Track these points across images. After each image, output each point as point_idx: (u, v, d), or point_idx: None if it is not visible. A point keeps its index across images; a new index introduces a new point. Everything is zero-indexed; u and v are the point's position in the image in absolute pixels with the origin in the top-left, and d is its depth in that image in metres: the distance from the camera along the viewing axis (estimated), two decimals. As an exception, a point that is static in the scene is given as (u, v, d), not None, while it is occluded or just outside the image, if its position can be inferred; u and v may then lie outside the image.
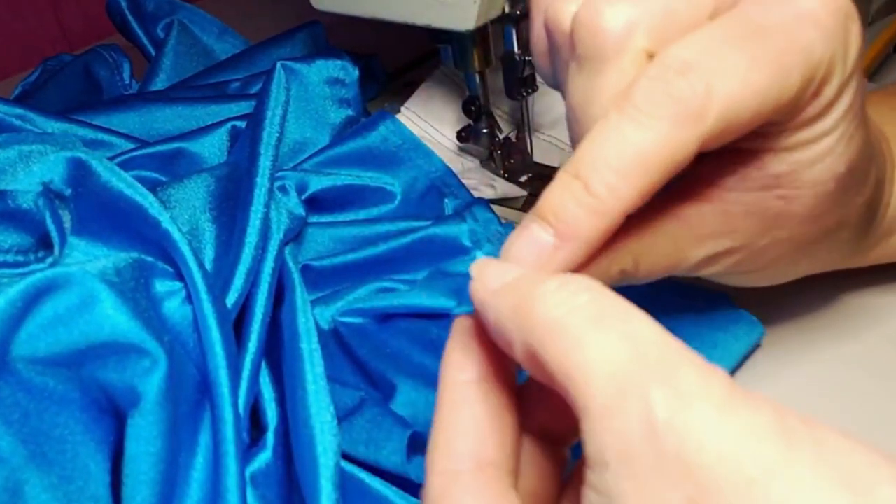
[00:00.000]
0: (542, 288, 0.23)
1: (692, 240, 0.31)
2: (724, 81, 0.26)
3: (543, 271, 0.26)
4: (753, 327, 0.38)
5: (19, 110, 0.50)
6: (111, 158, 0.47)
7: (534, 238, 0.26)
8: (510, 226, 0.44)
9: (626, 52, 0.28)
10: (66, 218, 0.35)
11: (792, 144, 0.29)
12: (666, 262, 0.31)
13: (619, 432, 0.21)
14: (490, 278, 0.25)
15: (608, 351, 0.21)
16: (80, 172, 0.35)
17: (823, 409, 0.36)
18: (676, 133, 0.26)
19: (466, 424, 0.25)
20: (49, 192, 0.35)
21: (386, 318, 0.41)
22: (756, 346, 0.39)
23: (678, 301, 0.39)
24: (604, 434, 0.21)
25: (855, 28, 0.28)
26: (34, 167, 0.35)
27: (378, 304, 0.40)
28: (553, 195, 0.26)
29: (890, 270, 0.39)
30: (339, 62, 0.51)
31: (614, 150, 0.26)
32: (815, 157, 0.29)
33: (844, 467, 0.19)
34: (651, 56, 0.28)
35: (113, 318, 0.31)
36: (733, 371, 0.38)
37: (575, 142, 0.30)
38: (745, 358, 0.38)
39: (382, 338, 0.40)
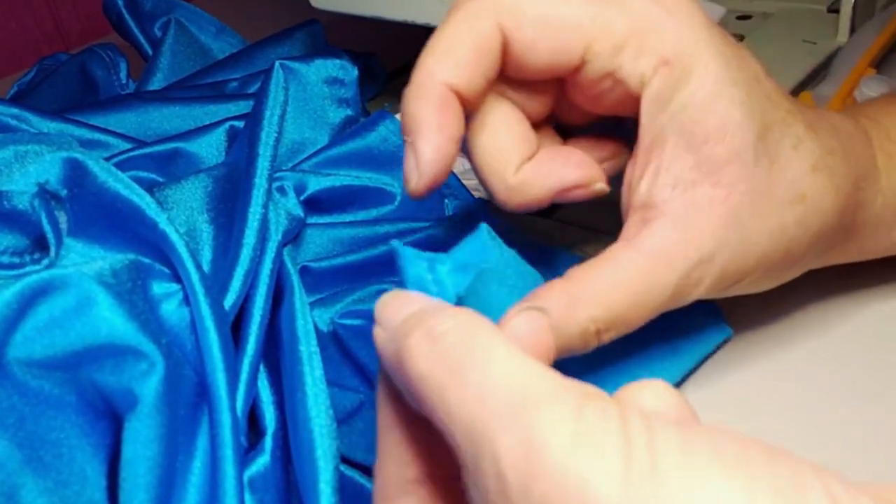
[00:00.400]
0: (411, 339, 0.23)
1: (658, 264, 0.32)
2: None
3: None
4: (721, 330, 0.38)
5: (15, 110, 0.50)
6: (108, 159, 0.47)
7: (406, 151, 0.32)
8: (511, 227, 0.44)
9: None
10: (62, 219, 0.35)
11: (652, 108, 0.32)
12: (642, 298, 0.32)
13: (481, 488, 0.20)
14: (386, 320, 0.26)
15: (464, 406, 0.21)
16: (76, 173, 0.35)
17: (788, 404, 0.36)
18: (471, 17, 0.31)
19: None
20: (45, 193, 0.35)
21: None
22: (721, 346, 0.39)
23: None
24: (470, 490, 0.21)
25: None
26: (30, 167, 0.35)
27: (372, 307, 0.40)
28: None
29: (857, 268, 0.40)
30: (338, 61, 0.51)
31: (428, 43, 0.32)
32: (692, 119, 0.32)
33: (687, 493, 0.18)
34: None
35: (109, 321, 0.31)
36: (697, 367, 0.38)
37: None
38: (708, 356, 0.38)
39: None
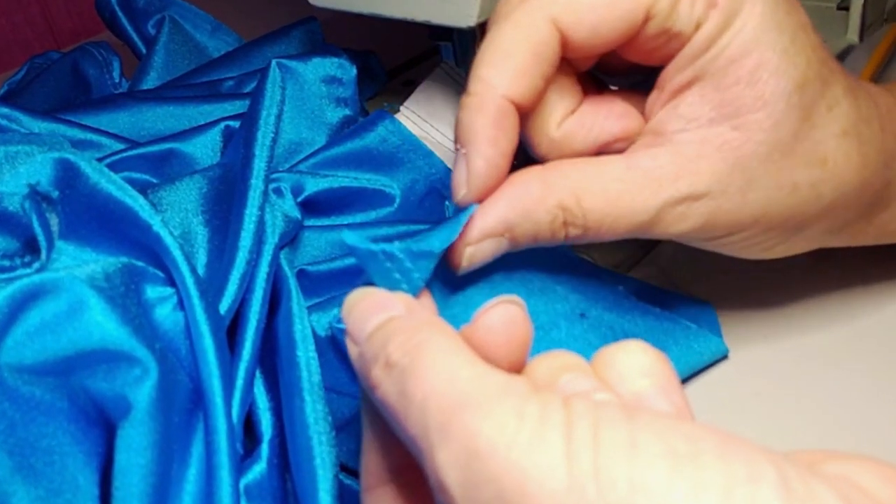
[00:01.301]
0: (374, 371, 0.25)
1: (646, 183, 0.32)
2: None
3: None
4: (717, 347, 0.38)
5: (5, 109, 0.50)
6: (100, 159, 0.47)
7: (457, 160, 0.31)
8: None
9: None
10: (54, 221, 0.35)
11: (696, 51, 0.32)
12: (619, 210, 0.32)
13: (446, 462, 0.21)
14: (354, 331, 0.27)
15: (412, 424, 0.22)
16: (68, 174, 0.35)
17: (786, 399, 0.36)
18: (525, 20, 0.31)
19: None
20: (36, 195, 0.35)
21: None
22: (715, 362, 0.38)
23: (647, 310, 0.39)
24: (435, 464, 0.21)
25: None
26: (20, 168, 0.35)
27: None
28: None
29: (859, 265, 0.40)
30: (336, 60, 0.51)
31: (482, 51, 0.31)
32: (729, 59, 0.31)
33: (631, 467, 0.18)
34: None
35: (102, 325, 0.31)
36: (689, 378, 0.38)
37: None
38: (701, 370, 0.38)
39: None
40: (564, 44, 0.32)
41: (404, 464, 0.27)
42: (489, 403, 0.21)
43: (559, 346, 0.35)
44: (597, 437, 0.19)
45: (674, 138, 0.32)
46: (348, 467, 0.35)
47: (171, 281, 0.35)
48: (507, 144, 0.31)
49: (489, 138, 0.31)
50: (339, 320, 0.40)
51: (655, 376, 0.24)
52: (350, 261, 0.43)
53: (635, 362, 0.24)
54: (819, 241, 0.36)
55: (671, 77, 0.33)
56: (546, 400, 0.21)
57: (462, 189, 0.31)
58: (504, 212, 0.31)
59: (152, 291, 0.35)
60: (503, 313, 0.25)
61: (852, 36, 0.60)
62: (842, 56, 0.58)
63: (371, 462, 0.27)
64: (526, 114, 0.32)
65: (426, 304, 0.29)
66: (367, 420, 0.28)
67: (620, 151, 0.34)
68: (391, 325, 0.25)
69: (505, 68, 0.31)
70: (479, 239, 0.31)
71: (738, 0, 0.31)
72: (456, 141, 0.31)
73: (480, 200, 0.32)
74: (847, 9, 0.60)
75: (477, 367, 0.22)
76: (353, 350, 0.27)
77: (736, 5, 0.31)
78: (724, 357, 0.38)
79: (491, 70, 0.31)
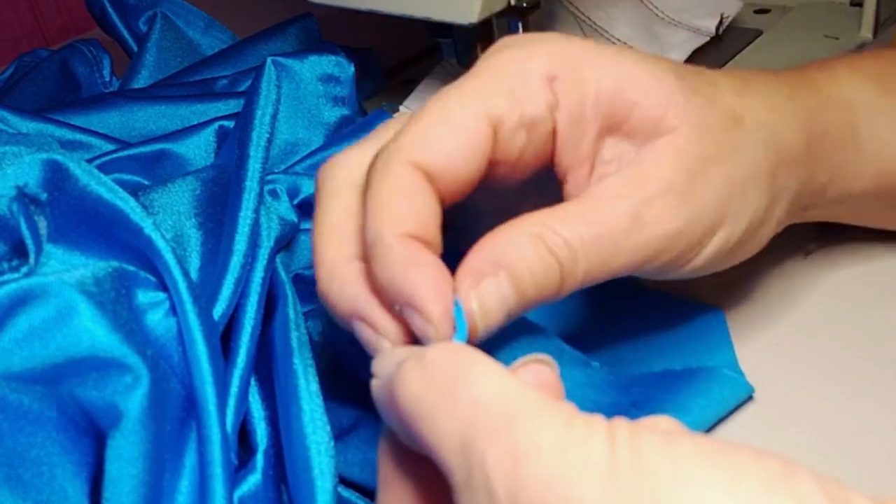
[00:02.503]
0: (403, 368, 0.25)
1: (609, 200, 0.33)
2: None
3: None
4: (741, 388, 0.37)
5: (-8, 109, 0.50)
6: (90, 160, 0.47)
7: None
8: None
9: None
10: (42, 224, 0.35)
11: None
12: (600, 230, 0.32)
13: (495, 464, 0.22)
14: (381, 370, 0.28)
15: (454, 424, 0.23)
16: (56, 176, 0.35)
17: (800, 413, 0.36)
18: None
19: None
20: (24, 197, 0.35)
21: None
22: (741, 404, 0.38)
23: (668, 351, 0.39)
24: None
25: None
26: (8, 170, 0.35)
27: None
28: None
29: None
30: (333, 58, 0.51)
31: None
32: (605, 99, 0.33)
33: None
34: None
35: (92, 332, 0.31)
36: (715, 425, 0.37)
37: None
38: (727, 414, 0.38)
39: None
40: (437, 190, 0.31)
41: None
42: (540, 413, 0.22)
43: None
44: (635, 438, 0.21)
45: (607, 169, 0.34)
46: (344, 478, 0.35)
47: (163, 285, 0.35)
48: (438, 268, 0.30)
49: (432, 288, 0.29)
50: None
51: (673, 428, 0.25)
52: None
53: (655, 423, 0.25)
54: (785, 217, 0.37)
55: (571, 157, 0.34)
56: (590, 417, 0.22)
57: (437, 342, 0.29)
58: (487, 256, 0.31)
59: (144, 296, 0.35)
60: (537, 374, 0.26)
61: (866, 33, 0.60)
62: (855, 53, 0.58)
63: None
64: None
65: None
66: (385, 480, 0.28)
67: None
68: (424, 348, 0.26)
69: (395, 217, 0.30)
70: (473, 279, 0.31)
71: (572, 61, 0.33)
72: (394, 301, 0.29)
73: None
74: (861, 5, 0.61)
75: (524, 384, 0.24)
76: (376, 384, 0.28)
77: (575, 66, 0.33)
78: (750, 398, 0.38)
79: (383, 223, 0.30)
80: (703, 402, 0.35)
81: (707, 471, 0.19)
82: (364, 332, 0.30)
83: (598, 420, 0.22)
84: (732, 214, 0.34)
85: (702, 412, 0.35)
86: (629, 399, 0.36)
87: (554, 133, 0.33)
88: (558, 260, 0.31)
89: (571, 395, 0.35)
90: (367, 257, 0.30)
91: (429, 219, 0.30)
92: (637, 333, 0.40)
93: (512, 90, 0.32)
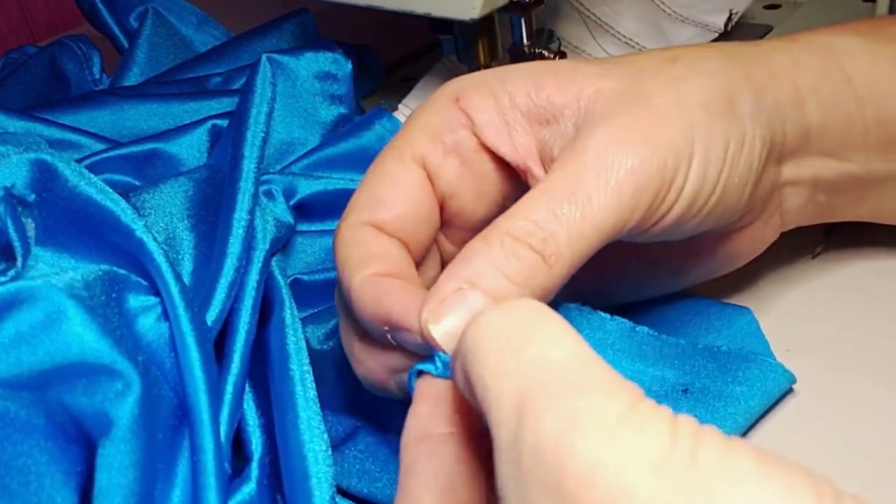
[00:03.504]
0: (485, 314, 0.26)
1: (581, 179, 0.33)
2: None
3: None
4: (783, 377, 0.37)
5: (-22, 108, 0.50)
6: (79, 160, 0.47)
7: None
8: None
9: None
10: (30, 226, 0.35)
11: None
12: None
13: (513, 463, 0.22)
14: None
15: (517, 378, 0.23)
16: (45, 176, 0.35)
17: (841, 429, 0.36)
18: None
19: (434, 482, 0.27)
20: (11, 198, 0.35)
21: None
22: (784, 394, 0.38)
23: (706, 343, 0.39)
24: (502, 466, 0.23)
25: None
26: (-5, 170, 0.35)
27: None
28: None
29: None
30: (330, 55, 0.51)
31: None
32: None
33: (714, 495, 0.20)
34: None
35: (81, 337, 0.31)
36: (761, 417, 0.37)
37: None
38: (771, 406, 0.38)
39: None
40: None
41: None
42: (607, 389, 0.22)
43: None
44: (698, 437, 0.21)
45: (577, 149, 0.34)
46: (344, 489, 0.35)
47: (154, 289, 0.35)
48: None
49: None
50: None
51: None
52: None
53: None
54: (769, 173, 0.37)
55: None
56: (657, 406, 0.22)
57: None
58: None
59: (135, 301, 0.35)
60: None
61: (879, 29, 0.60)
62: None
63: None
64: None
65: None
66: (421, 470, 0.28)
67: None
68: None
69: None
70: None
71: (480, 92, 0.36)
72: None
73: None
74: (874, 0, 0.61)
75: (598, 358, 0.24)
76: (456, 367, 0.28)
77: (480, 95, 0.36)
78: (791, 388, 0.38)
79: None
80: (748, 392, 0.36)
81: (763, 481, 0.20)
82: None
83: (664, 410, 0.22)
84: (698, 145, 0.34)
85: (747, 403, 0.36)
86: (677, 378, 0.36)
87: (484, 147, 0.36)
88: (531, 246, 0.31)
89: (616, 365, 0.36)
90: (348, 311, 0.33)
91: (397, 259, 0.33)
92: (671, 329, 0.40)
93: (426, 127, 0.36)
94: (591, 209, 0.32)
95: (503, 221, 0.32)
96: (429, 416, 0.28)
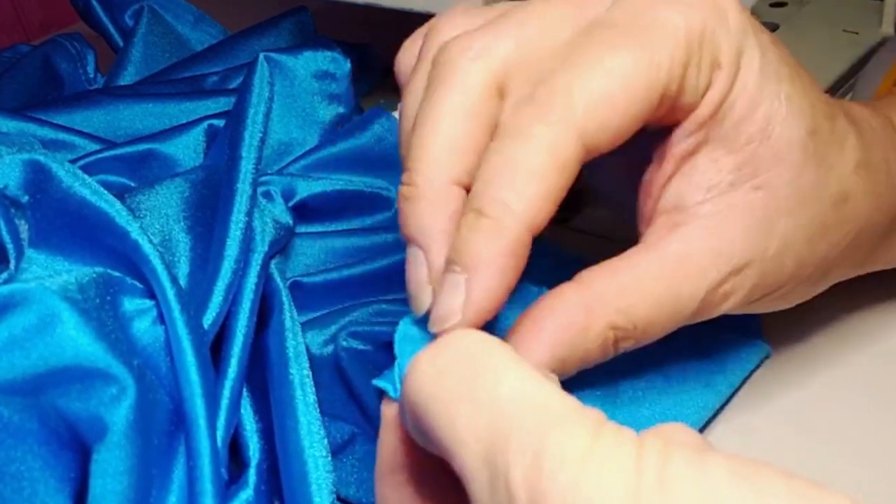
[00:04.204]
0: (419, 365, 0.25)
1: (687, 274, 0.32)
2: (585, 80, 0.29)
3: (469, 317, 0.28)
4: (758, 348, 0.39)
5: (-30, 107, 0.50)
6: (73, 161, 0.47)
7: (450, 283, 0.29)
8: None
9: (474, 75, 0.31)
10: (23, 228, 0.35)
11: (703, 117, 0.32)
12: (667, 310, 0.32)
13: (516, 471, 0.21)
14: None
15: (475, 430, 0.22)
16: (38, 177, 0.35)
17: (826, 425, 0.37)
18: (549, 136, 0.29)
19: None
20: (4, 199, 0.35)
21: (390, 345, 0.41)
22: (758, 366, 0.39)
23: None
24: None
25: None
26: (-13, 171, 0.35)
27: (382, 330, 0.40)
28: (455, 239, 0.29)
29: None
30: (329, 53, 0.51)
31: (495, 168, 0.29)
32: (738, 119, 0.32)
33: None
34: (501, 89, 0.31)
35: (76, 340, 0.31)
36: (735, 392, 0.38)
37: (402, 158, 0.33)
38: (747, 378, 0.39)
39: (383, 368, 0.40)
40: (585, 155, 0.30)
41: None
42: (566, 420, 0.22)
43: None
44: (666, 454, 0.20)
45: (697, 212, 0.32)
46: (342, 498, 0.35)
47: (150, 292, 0.35)
48: (514, 277, 0.30)
49: (500, 269, 0.29)
50: (345, 337, 0.40)
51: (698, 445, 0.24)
52: (348, 272, 0.43)
53: (679, 437, 0.24)
54: (838, 278, 0.37)
55: (673, 146, 0.33)
56: (619, 428, 0.22)
57: (455, 318, 0.29)
58: (551, 349, 0.30)
59: (130, 304, 0.35)
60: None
61: (887, 28, 0.60)
62: (875, 49, 0.59)
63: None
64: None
65: None
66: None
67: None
68: (446, 342, 0.26)
69: (529, 192, 0.29)
70: None
71: (737, 55, 0.32)
72: (452, 261, 0.29)
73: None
74: (882, -1, 0.61)
75: (547, 383, 0.23)
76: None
77: (736, 62, 0.32)
78: (768, 356, 0.39)
79: (512, 194, 0.29)
80: (719, 372, 0.37)
81: (736, 493, 0.19)
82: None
83: (627, 432, 0.21)
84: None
85: (720, 383, 0.37)
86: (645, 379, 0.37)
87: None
88: (618, 348, 0.31)
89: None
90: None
91: (552, 211, 0.30)
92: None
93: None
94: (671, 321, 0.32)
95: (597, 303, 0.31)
96: (393, 448, 0.28)
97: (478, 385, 0.23)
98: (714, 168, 0.32)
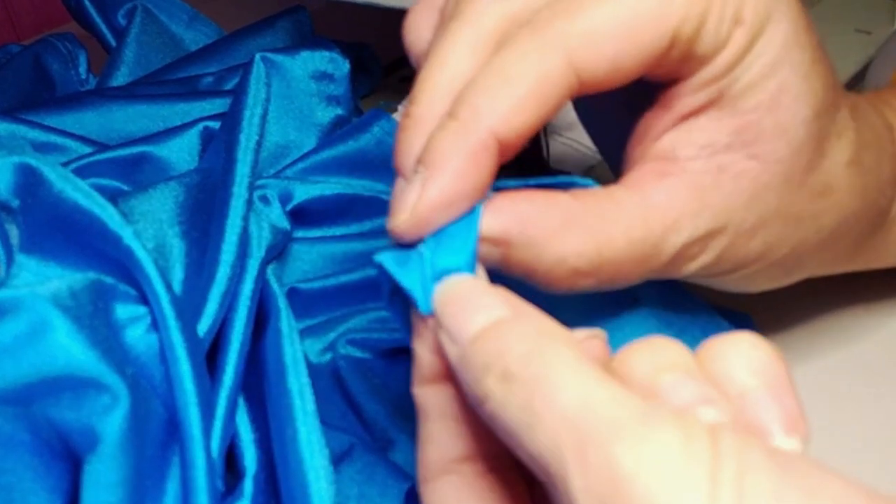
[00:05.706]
0: (487, 382, 0.25)
1: (664, 224, 0.32)
2: (588, 7, 0.30)
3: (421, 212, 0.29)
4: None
5: (-40, 109, 0.50)
6: (65, 164, 0.47)
7: (413, 180, 0.30)
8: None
9: (490, 16, 0.31)
10: (14, 233, 0.35)
11: (716, 73, 0.31)
12: (638, 254, 0.32)
13: (583, 490, 0.21)
14: (454, 331, 0.27)
15: (543, 441, 0.22)
16: (29, 181, 0.35)
17: (821, 414, 0.37)
18: (535, 53, 0.29)
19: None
20: (-6, 203, 0.35)
21: (390, 353, 0.41)
22: None
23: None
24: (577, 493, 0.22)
25: None
26: (-23, 175, 0.35)
27: (381, 337, 0.40)
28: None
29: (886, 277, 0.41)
30: (327, 54, 0.51)
31: (478, 78, 0.30)
32: (750, 82, 0.31)
33: None
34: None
35: (68, 348, 0.31)
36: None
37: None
38: None
39: (383, 376, 0.40)
40: (576, 85, 0.30)
41: (471, 452, 0.28)
42: (631, 432, 0.21)
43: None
44: (741, 482, 0.20)
45: (687, 167, 0.32)
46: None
47: (143, 299, 0.35)
48: (474, 184, 0.30)
49: (457, 170, 0.29)
50: (344, 344, 0.40)
51: (766, 376, 0.24)
52: (346, 278, 0.43)
53: (744, 359, 0.24)
54: (812, 272, 0.37)
55: (682, 98, 0.32)
56: (690, 431, 0.21)
57: (403, 214, 0.30)
58: (507, 224, 0.30)
59: (123, 311, 0.35)
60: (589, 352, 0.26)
61: (901, 25, 0.60)
62: (887, 45, 0.59)
63: (431, 455, 0.28)
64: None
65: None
66: (424, 412, 0.29)
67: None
68: (504, 332, 0.25)
69: (501, 100, 0.29)
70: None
71: (763, 16, 0.31)
72: (419, 160, 0.30)
73: (416, 235, 0.30)
74: (894, -4, 0.61)
75: (611, 387, 0.23)
76: (452, 350, 0.27)
77: (761, 22, 0.31)
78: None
79: (484, 98, 0.29)
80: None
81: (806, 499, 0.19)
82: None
83: (700, 439, 0.21)
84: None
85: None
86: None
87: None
88: (572, 282, 0.31)
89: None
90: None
91: (527, 127, 0.30)
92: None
93: None
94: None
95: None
96: (429, 361, 0.28)
97: (542, 398, 0.23)
98: (714, 127, 0.32)
